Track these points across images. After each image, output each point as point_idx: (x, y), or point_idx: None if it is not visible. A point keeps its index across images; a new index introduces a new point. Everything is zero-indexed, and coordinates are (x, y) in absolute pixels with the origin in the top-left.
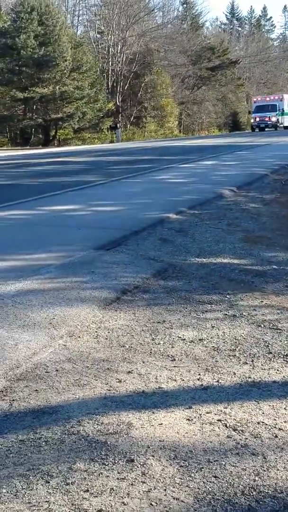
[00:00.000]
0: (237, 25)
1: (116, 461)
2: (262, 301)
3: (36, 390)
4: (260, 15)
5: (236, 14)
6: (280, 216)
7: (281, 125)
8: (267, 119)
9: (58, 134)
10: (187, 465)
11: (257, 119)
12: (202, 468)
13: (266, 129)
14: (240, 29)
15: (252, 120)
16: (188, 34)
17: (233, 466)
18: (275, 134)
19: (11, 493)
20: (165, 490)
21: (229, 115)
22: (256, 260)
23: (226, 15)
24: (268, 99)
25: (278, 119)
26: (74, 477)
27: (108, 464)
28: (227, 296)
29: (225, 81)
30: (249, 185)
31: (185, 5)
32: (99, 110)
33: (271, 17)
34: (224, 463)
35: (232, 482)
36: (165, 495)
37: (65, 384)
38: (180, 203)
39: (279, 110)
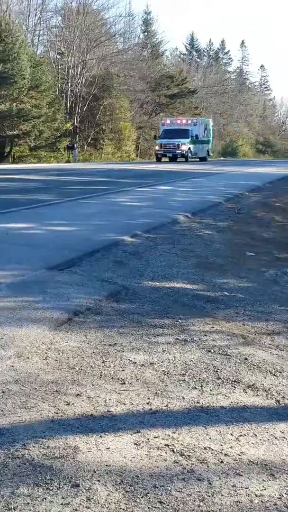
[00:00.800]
0: (196, 56)
1: (61, 486)
2: (213, 327)
3: None
4: (218, 48)
5: (196, 46)
6: (232, 244)
7: (195, 156)
8: (175, 147)
9: (13, 151)
10: (133, 490)
11: (163, 147)
12: (148, 493)
13: (177, 160)
14: (199, 60)
15: (156, 147)
16: (148, 61)
17: (179, 491)
18: (230, 164)
19: None
20: None
21: None
22: (208, 286)
23: (185, 45)
24: (179, 122)
25: (189, 148)
26: (16, 502)
27: (52, 489)
28: (179, 320)
29: (183, 109)
30: (204, 211)
31: (146, 33)
32: (56, 129)
33: (229, 51)
34: (170, 488)
35: (177, 508)
36: None
37: (11, 406)
38: (136, 226)
39: (191, 136)
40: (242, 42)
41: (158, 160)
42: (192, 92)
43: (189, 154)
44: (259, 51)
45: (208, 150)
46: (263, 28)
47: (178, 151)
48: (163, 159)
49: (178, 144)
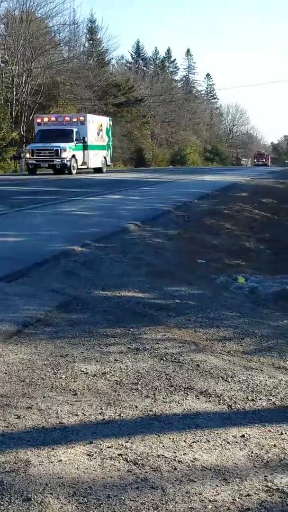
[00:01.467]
0: (142, 64)
1: (12, 501)
2: (165, 335)
3: None
4: (164, 57)
5: (142, 54)
6: (183, 251)
7: (83, 167)
8: (53, 153)
9: None
10: (86, 501)
11: (36, 154)
12: (101, 504)
13: (60, 171)
14: (145, 68)
15: (27, 155)
16: (94, 70)
17: (132, 500)
18: (180, 172)
19: None
20: None
21: (134, 151)
22: (160, 294)
23: (131, 54)
24: (60, 120)
25: (74, 156)
26: None
27: (3, 504)
28: (131, 329)
29: (130, 118)
30: (154, 220)
31: (91, 42)
32: (2, 139)
33: (175, 59)
34: (123, 498)
35: None
36: None
37: None
38: (86, 236)
39: (77, 140)
40: (188, 51)
41: (31, 172)
42: (139, 100)
43: (74, 164)
44: (204, 60)
45: (105, 158)
46: (208, 37)
47: (57, 160)
48: (39, 170)
49: (57, 150)
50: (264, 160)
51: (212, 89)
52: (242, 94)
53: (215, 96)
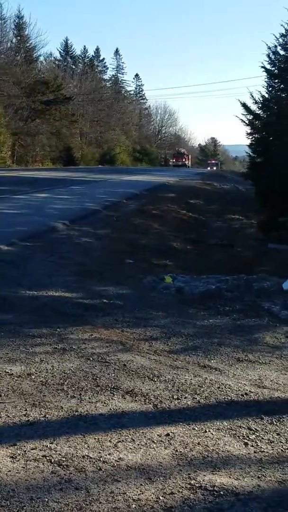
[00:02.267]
0: (71, 62)
1: None
2: (91, 335)
3: None
4: (93, 56)
5: (70, 52)
6: (111, 251)
7: None
8: None
9: None
10: (9, 504)
11: None
12: (24, 506)
13: None
14: (74, 67)
15: None
16: (22, 66)
17: (56, 502)
18: (109, 172)
19: None
20: None
21: (63, 149)
22: (87, 294)
23: (60, 52)
24: None
25: None
26: None
27: None
28: (58, 329)
29: (59, 116)
30: (83, 219)
31: (19, 38)
32: None
33: (103, 58)
34: (47, 499)
35: None
36: None
37: None
38: (13, 235)
39: None
40: (117, 51)
41: None
42: (68, 99)
43: None
44: (133, 60)
45: None
46: (137, 38)
47: None
48: None
49: None
50: (183, 160)
51: (141, 89)
52: (171, 95)
53: (143, 97)
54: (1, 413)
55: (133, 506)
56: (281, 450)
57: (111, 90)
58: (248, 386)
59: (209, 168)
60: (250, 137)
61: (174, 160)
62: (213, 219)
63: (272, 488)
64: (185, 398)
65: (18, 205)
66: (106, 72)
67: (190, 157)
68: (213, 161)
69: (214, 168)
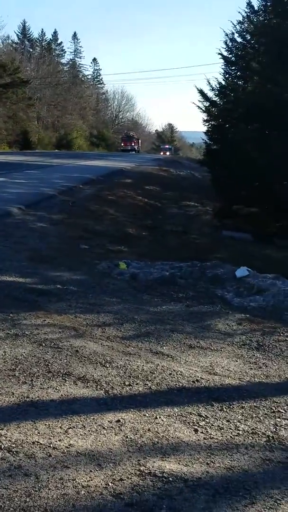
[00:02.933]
0: (29, 46)
1: None
2: (45, 320)
3: None
4: (51, 39)
5: (28, 35)
6: (66, 237)
7: None
8: None
9: None
10: None
11: None
12: None
13: None
14: (31, 50)
15: None
16: None
17: (5, 488)
18: (66, 156)
19: None
20: None
21: (20, 133)
22: (41, 279)
23: (17, 34)
24: None
25: None
26: None
27: None
28: (10, 315)
29: (16, 99)
30: (38, 204)
31: None
32: None
33: (61, 42)
34: None
35: (2, 506)
36: None
37: None
38: None
39: None
40: (74, 34)
41: None
42: (25, 82)
43: None
44: (91, 44)
45: None
46: (95, 21)
47: None
48: None
49: None
50: (133, 144)
51: (98, 74)
52: (128, 80)
53: (101, 82)
54: None
55: (82, 492)
56: (230, 436)
57: (68, 74)
58: (200, 373)
59: (162, 154)
60: (207, 124)
61: (122, 144)
62: (169, 205)
63: (220, 474)
64: (137, 384)
65: None
66: (63, 56)
67: (140, 141)
68: (166, 146)
69: (168, 153)
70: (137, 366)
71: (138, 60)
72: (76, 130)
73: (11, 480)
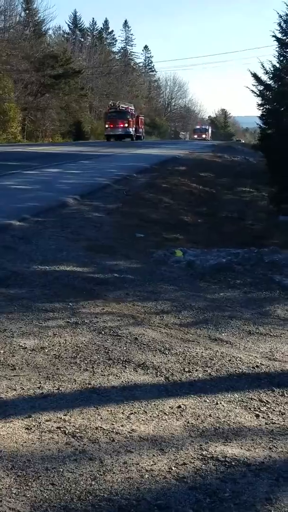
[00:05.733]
0: (80, 35)
1: None
2: (103, 309)
3: None
4: (102, 28)
5: (79, 25)
6: (122, 226)
7: None
8: None
9: None
10: (25, 474)
11: None
12: (40, 476)
13: None
14: (82, 40)
15: None
16: (31, 40)
17: (71, 472)
18: (119, 145)
19: None
20: (0, 501)
21: (73, 124)
22: (99, 268)
23: (68, 25)
24: None
25: None
26: None
27: None
28: (70, 304)
29: (68, 90)
30: (93, 194)
31: (27, 11)
32: None
33: (112, 31)
34: (61, 470)
35: (69, 488)
36: (1, 506)
37: None
38: (24, 210)
39: None
40: (125, 22)
41: None
42: (77, 72)
43: None
44: (143, 32)
45: None
46: (145, 9)
47: None
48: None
49: None
50: (204, 136)
51: (150, 61)
52: (180, 67)
53: (153, 69)
54: (16, 386)
55: (146, 476)
56: None
57: (120, 63)
58: (259, 359)
59: (196, 137)
60: (261, 108)
61: (195, 136)
62: (224, 192)
63: (283, 459)
64: (196, 370)
65: (28, 181)
66: (115, 44)
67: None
68: (202, 126)
69: (203, 136)
70: (196, 353)
71: (189, 46)
72: None
73: (76, 464)
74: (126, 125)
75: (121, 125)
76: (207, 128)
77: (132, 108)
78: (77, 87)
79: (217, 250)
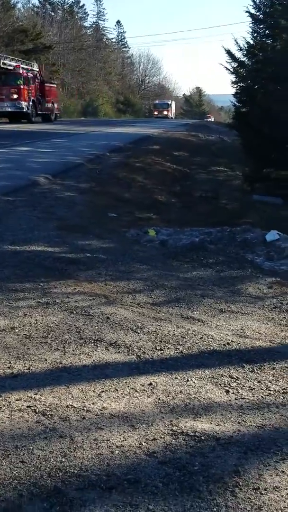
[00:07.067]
0: (50, 9)
1: None
2: (75, 288)
3: None
4: (73, 1)
5: None
6: (94, 205)
7: None
8: None
9: None
10: None
11: None
12: (10, 454)
13: None
14: (53, 14)
15: None
16: None
17: (41, 450)
18: (92, 124)
19: None
20: None
21: None
22: (71, 248)
23: None
24: None
25: None
26: None
27: None
28: (41, 284)
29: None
30: (65, 173)
31: None
32: None
33: (84, 5)
34: (32, 447)
35: (39, 466)
36: None
37: None
38: None
39: None
40: None
41: None
42: (48, 47)
43: None
44: (115, 6)
45: None
46: None
47: None
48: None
49: None
50: (166, 112)
51: (123, 37)
52: (154, 43)
53: (126, 45)
54: None
55: (116, 452)
56: (262, 396)
57: (92, 38)
58: (230, 336)
59: (156, 114)
60: (235, 86)
61: (156, 113)
62: (198, 171)
63: (252, 433)
64: (168, 348)
65: None
66: (86, 19)
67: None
68: (163, 101)
69: (165, 112)
70: (168, 331)
71: (162, 22)
72: (101, 96)
73: (47, 442)
74: (15, 96)
75: (5, 96)
76: (169, 103)
77: (31, 68)
78: (48, 63)
79: (190, 229)
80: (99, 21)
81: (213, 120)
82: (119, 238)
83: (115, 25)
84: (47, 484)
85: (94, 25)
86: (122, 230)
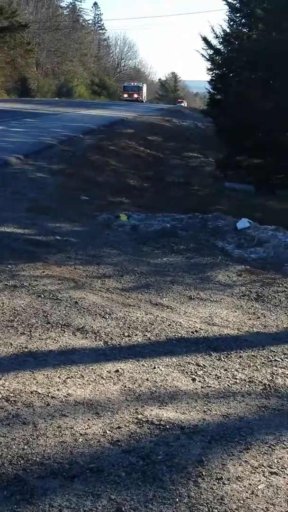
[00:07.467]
0: None
1: None
2: (43, 272)
3: None
4: None
5: None
6: (66, 187)
7: None
8: None
9: None
10: None
11: None
12: None
13: None
14: None
15: None
16: None
17: (3, 436)
18: (66, 105)
19: None
20: None
21: (18, 80)
22: (40, 230)
23: None
24: None
25: None
26: None
27: None
28: (9, 266)
29: (14, 44)
30: (37, 154)
31: None
32: None
33: None
34: None
35: (1, 453)
36: None
37: None
38: None
39: None
40: None
41: None
42: (23, 26)
43: None
44: None
45: None
46: None
47: None
48: None
49: None
50: (136, 96)
51: (99, 19)
52: (130, 27)
53: (102, 27)
54: None
55: (80, 440)
56: (228, 385)
57: (68, 19)
58: (199, 324)
59: (126, 96)
60: (211, 73)
61: (125, 96)
62: (171, 156)
63: (217, 421)
64: (136, 335)
65: None
66: None
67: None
68: (134, 83)
69: (136, 96)
70: (137, 318)
71: (140, 6)
72: (76, 77)
73: (9, 428)
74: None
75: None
76: (140, 86)
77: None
78: (23, 41)
79: (162, 215)
80: (76, 2)
81: (185, 105)
82: (90, 222)
83: (92, 7)
84: (8, 472)
85: (70, 6)
86: (94, 213)
